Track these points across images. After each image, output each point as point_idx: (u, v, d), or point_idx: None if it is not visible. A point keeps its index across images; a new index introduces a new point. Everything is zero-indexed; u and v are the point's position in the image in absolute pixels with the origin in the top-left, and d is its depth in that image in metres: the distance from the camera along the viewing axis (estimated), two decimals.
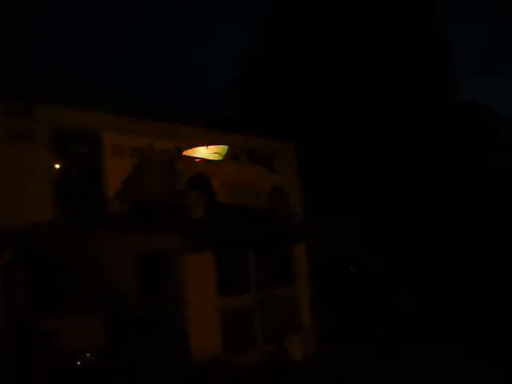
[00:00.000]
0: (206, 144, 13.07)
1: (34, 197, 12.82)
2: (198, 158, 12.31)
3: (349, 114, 22.24)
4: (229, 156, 12.88)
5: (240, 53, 26.73)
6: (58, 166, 13.63)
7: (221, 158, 12.58)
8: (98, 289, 11.85)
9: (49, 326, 10.99)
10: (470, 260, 19.83)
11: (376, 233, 20.65)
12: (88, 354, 10.57)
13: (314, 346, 13.87)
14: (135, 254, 11.86)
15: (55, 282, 12.39)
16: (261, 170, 13.83)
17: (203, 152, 12.79)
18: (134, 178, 11.93)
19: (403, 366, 11.91)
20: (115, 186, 12.70)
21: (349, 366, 12.17)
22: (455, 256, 20.11)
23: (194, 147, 13.20)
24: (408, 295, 17.01)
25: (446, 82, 23.77)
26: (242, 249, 13.08)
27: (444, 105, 23.01)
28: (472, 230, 21.16)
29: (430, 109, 22.67)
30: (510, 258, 19.54)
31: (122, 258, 11.94)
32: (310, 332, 14.18)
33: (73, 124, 13.79)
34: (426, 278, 18.51)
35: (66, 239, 11.99)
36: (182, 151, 13.21)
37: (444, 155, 22.40)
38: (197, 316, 11.61)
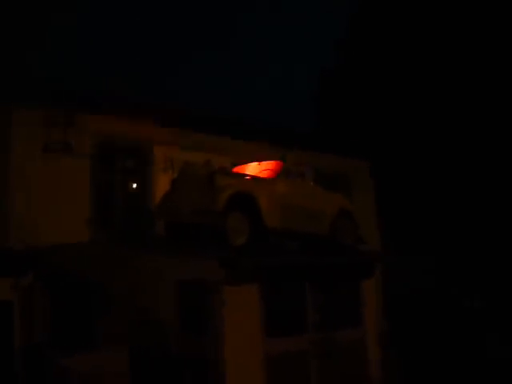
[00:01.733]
0: (260, 160, 11.16)
1: (71, 214, 11.38)
2: (246, 175, 10.39)
3: (433, 135, 19.68)
4: (286, 173, 10.85)
5: (318, 68, 24.77)
6: (100, 182, 12.12)
7: (274, 176, 10.57)
8: (131, 317, 10.25)
9: (66, 362, 9.50)
10: None
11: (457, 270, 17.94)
12: None
13: None
14: (173, 281, 10.06)
15: (85, 309, 10.89)
16: (323, 191, 11.67)
17: (255, 168, 10.86)
18: (171, 195, 10.15)
19: None
20: None
21: None
22: None
23: (247, 163, 11.33)
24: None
25: None
26: (298, 282, 10.89)
27: None
28: None
29: None
30: None
31: (159, 284, 10.22)
32: None
33: (119, 136, 12.38)
34: None
35: (101, 261, 10.47)
36: (232, 167, 11.34)
37: None
38: (236, 359, 9.57)
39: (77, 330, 10.72)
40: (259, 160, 11.23)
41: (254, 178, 10.21)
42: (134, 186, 12.64)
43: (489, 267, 18.06)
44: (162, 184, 12.10)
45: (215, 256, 9.47)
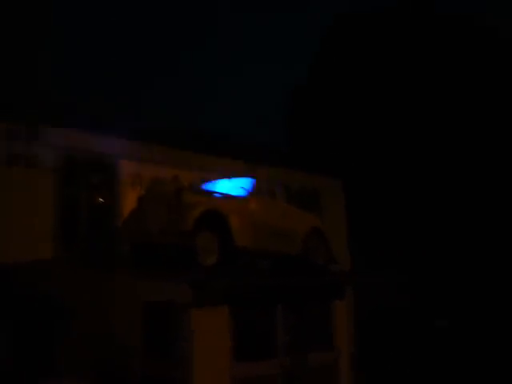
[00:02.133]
0: (231, 177, 10.77)
1: (33, 230, 10.85)
2: (216, 192, 9.97)
3: (403, 153, 19.55)
4: (257, 191, 10.46)
5: (291, 86, 24.51)
6: (64, 197, 11.58)
7: (245, 194, 10.17)
8: (96, 341, 9.68)
9: None
10: None
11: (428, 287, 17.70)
12: None
13: None
14: (140, 303, 9.56)
15: (46, 333, 10.28)
16: (295, 209, 11.32)
17: (225, 185, 10.45)
18: (137, 213, 9.68)
19: None
20: None
21: None
22: None
23: (216, 179, 10.92)
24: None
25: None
26: (268, 304, 10.46)
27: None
28: None
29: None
30: None
31: (125, 306, 9.71)
32: None
33: (84, 150, 11.82)
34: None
35: (64, 281, 10.00)
36: (202, 183, 10.94)
37: None
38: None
39: (37, 355, 10.13)
40: (230, 176, 10.85)
41: (224, 195, 9.80)
42: (100, 201, 12.11)
43: (458, 285, 17.92)
44: (130, 200, 11.62)
45: (184, 277, 9.02)
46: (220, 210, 9.18)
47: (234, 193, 10.15)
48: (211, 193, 9.82)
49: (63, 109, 11.79)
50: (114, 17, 52.54)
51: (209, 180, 11.26)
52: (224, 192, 9.99)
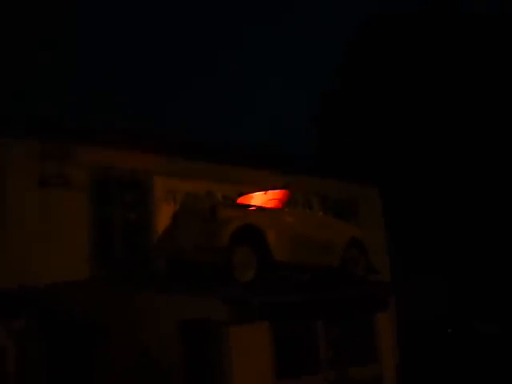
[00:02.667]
0: (266, 189, 10.45)
1: (69, 250, 10.70)
2: (252, 205, 9.68)
3: (441, 157, 18.94)
4: (293, 203, 10.14)
5: (318, 93, 24.15)
6: (98, 215, 11.41)
7: (281, 206, 9.85)
8: (132, 360, 9.45)
9: None
10: None
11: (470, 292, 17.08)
12: None
13: None
14: (176, 321, 9.28)
15: (83, 352, 10.11)
16: (332, 219, 10.97)
17: (260, 199, 10.15)
18: (172, 230, 9.44)
19: None
20: None
21: None
22: None
23: (251, 193, 10.63)
24: None
25: None
26: (309, 319, 10.10)
27: None
28: None
29: None
30: None
31: (162, 324, 9.43)
32: None
33: (117, 167, 11.63)
34: None
35: (100, 300, 9.78)
36: (237, 197, 10.66)
37: None
38: None
39: (75, 375, 9.95)
40: (264, 189, 10.54)
41: (259, 208, 9.50)
42: (135, 219, 11.91)
43: (504, 290, 17.25)
44: (165, 216, 11.38)
45: (220, 294, 8.74)
46: (256, 224, 8.89)
47: (269, 206, 9.85)
48: (247, 207, 9.54)
49: (94, 126, 11.64)
50: (141, 33, 52.65)
51: (244, 193, 10.97)
52: (259, 205, 9.70)
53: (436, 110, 19.57)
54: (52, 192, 10.83)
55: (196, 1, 55.75)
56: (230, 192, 12.23)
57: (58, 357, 10.05)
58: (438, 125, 19.38)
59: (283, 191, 10.14)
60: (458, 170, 18.83)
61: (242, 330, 8.96)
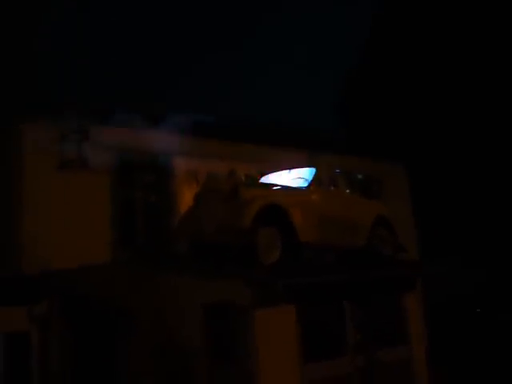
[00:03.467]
0: (290, 167, 10.06)
1: (90, 234, 10.45)
2: (276, 184, 9.30)
3: (468, 136, 18.27)
4: (318, 181, 9.72)
5: (341, 72, 23.53)
6: (119, 198, 11.13)
7: (306, 185, 9.46)
8: (156, 343, 9.17)
9: None
10: None
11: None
12: None
13: None
14: (200, 304, 8.97)
15: (107, 336, 9.86)
16: (358, 198, 10.54)
17: (285, 177, 9.75)
18: (193, 211, 9.09)
19: None
20: None
21: None
22: None
23: (274, 171, 10.24)
24: None
25: None
26: (335, 301, 9.72)
27: None
28: None
29: None
30: None
31: (185, 308, 9.13)
32: None
33: (137, 148, 11.30)
34: None
35: (123, 283, 9.49)
36: (260, 176, 10.28)
37: None
38: None
39: (98, 360, 9.73)
40: (289, 167, 10.15)
41: (284, 187, 9.11)
42: (156, 201, 11.61)
43: None
44: (187, 198, 11.07)
45: (244, 276, 8.40)
46: (280, 203, 8.50)
47: (294, 184, 9.46)
48: (270, 186, 9.16)
49: (113, 108, 11.31)
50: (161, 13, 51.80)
51: (267, 172, 10.59)
52: (284, 184, 9.31)
53: (464, 90, 18.86)
54: (72, 175, 10.57)
55: None
56: (253, 171, 11.87)
57: (80, 342, 9.84)
58: (467, 105, 18.68)
59: (308, 169, 9.74)
60: (485, 150, 18.16)
61: (266, 313, 8.60)
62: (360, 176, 10.92)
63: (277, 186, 9.17)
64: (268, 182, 9.58)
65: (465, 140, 18.24)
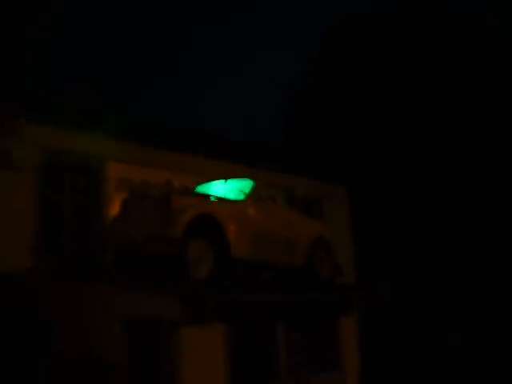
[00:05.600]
0: (226, 178, 9.40)
1: (9, 238, 9.44)
2: (211, 195, 8.61)
3: (409, 157, 18.10)
4: (256, 195, 9.08)
5: (289, 86, 23.14)
6: (44, 201, 10.20)
7: (243, 197, 8.80)
8: (77, 360, 8.33)
9: None
10: None
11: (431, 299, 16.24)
12: None
13: None
14: (124, 318, 8.16)
15: (21, 351, 8.87)
16: (298, 215, 9.94)
17: (221, 188, 9.09)
18: (121, 219, 8.30)
19: None
20: None
21: None
22: None
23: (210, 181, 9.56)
24: None
25: None
26: (269, 322, 9.06)
27: None
28: None
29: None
30: None
31: (108, 321, 8.31)
32: None
33: (68, 150, 10.43)
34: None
35: (42, 293, 8.68)
36: (195, 186, 9.56)
37: None
38: None
39: (11, 377, 8.73)
40: (226, 178, 9.48)
41: (219, 198, 8.44)
42: (85, 207, 10.71)
43: (470, 297, 16.49)
44: (117, 205, 10.23)
45: (172, 290, 7.67)
46: (215, 214, 7.85)
47: (230, 196, 8.80)
48: (205, 196, 8.47)
49: (46, 103, 10.42)
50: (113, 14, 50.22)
51: (203, 182, 9.89)
52: (219, 195, 8.63)
53: (408, 110, 18.75)
54: None
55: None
56: (189, 182, 11.15)
57: None
58: (409, 126, 18.56)
59: (246, 181, 9.10)
60: (425, 172, 18.01)
61: (195, 331, 7.95)
62: (300, 195, 10.30)
63: (212, 196, 8.48)
64: (203, 192, 8.88)
65: (404, 166, 18.09)
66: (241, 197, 8.75)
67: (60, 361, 8.55)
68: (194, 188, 9.54)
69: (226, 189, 8.99)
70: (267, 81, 51.78)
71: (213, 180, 9.52)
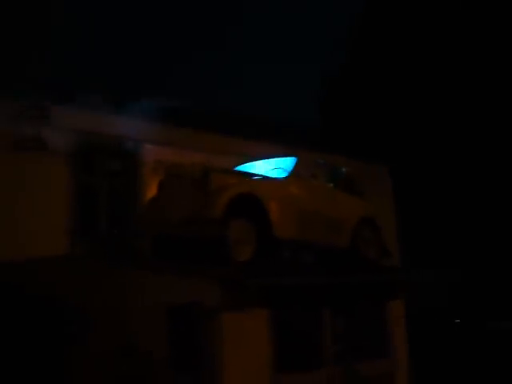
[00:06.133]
0: (268, 157, 8.90)
1: (45, 224, 9.15)
2: (252, 173, 8.12)
3: (458, 135, 17.25)
4: (298, 172, 8.55)
5: (322, 69, 22.44)
6: (79, 185, 9.88)
7: (285, 175, 8.28)
8: (115, 349, 7.92)
9: None
10: None
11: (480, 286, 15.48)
12: None
13: None
14: (162, 304, 7.76)
15: (56, 338, 8.56)
16: (343, 194, 9.37)
17: (262, 167, 8.58)
18: (157, 201, 7.88)
19: None
20: None
21: None
22: None
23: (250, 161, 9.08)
24: None
25: None
26: (313, 306, 8.56)
27: None
28: None
29: None
30: None
31: (146, 309, 7.91)
32: None
33: (103, 133, 10.07)
34: None
35: (77, 279, 8.27)
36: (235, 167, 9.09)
37: None
38: None
39: (47, 368, 8.43)
40: (267, 157, 8.97)
41: (260, 177, 7.94)
42: (120, 190, 10.36)
43: None
44: (153, 188, 9.85)
45: (213, 274, 7.22)
46: (256, 193, 7.36)
47: (272, 175, 8.29)
48: (246, 174, 7.99)
49: (78, 87, 10.07)
50: None
51: (242, 163, 9.41)
52: (261, 174, 8.13)
53: (452, 87, 17.89)
54: (28, 158, 9.30)
55: None
56: (228, 165, 10.70)
57: (26, 344, 8.54)
58: (455, 103, 17.68)
59: (288, 158, 8.57)
60: (476, 152, 17.12)
61: (236, 317, 7.49)
62: (345, 169, 9.78)
63: (253, 174, 7.99)
64: (243, 171, 8.40)
65: (451, 143, 17.25)
66: (283, 175, 8.26)
67: (94, 348, 8.25)
68: (234, 168, 9.07)
69: (267, 167, 8.50)
70: (302, 60, 50.62)
71: (253, 160, 9.04)
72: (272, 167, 8.48)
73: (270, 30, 54.88)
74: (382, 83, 19.24)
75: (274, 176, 8.20)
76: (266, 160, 8.78)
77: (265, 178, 7.98)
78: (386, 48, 19.62)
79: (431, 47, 18.56)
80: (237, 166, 9.48)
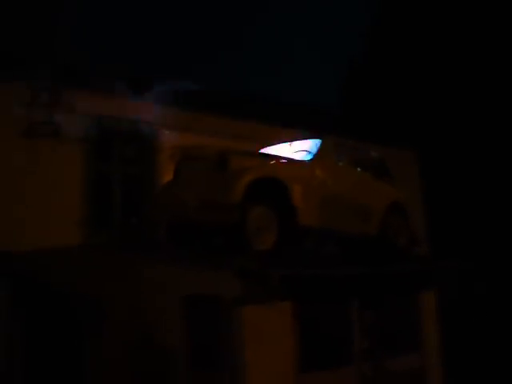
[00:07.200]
0: (291, 140, 8.17)
1: (58, 212, 8.68)
2: (274, 156, 7.40)
3: (488, 120, 16.29)
4: (324, 155, 7.80)
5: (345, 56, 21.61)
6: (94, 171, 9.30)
7: (310, 158, 7.54)
8: (131, 342, 7.47)
9: None
10: None
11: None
12: None
13: None
14: (179, 297, 7.13)
15: (70, 331, 8.02)
16: (372, 179, 8.60)
17: (285, 150, 7.85)
18: (172, 186, 7.20)
19: None
20: None
21: None
22: None
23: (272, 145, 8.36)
24: None
25: None
26: (341, 299, 7.83)
27: None
28: None
29: None
30: None
31: (162, 301, 7.30)
32: None
33: (118, 118, 9.49)
34: None
35: (92, 270, 7.73)
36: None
37: None
38: None
39: (59, 357, 7.88)
40: (290, 141, 8.25)
41: (283, 159, 7.21)
42: (136, 177, 9.75)
43: None
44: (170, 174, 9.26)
45: (233, 265, 6.53)
46: (279, 176, 6.65)
47: (296, 158, 7.56)
48: (266, 156, 7.27)
49: (92, 71, 9.46)
50: None
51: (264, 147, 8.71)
52: (284, 156, 7.41)
53: (483, 72, 16.92)
54: (40, 143, 8.76)
55: None
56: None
57: (41, 335, 8.02)
58: (487, 89, 16.70)
59: (313, 140, 7.82)
60: (504, 137, 16.17)
61: (258, 310, 6.81)
62: (374, 153, 9.02)
63: (275, 157, 7.27)
64: (264, 153, 7.68)
65: (481, 128, 16.31)
66: (308, 157, 7.52)
67: (112, 344, 7.70)
68: (255, 151, 8.37)
69: (290, 151, 7.76)
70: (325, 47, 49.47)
71: (276, 144, 8.33)
72: (296, 150, 7.75)
73: (296, 16, 53.80)
74: (410, 67, 18.39)
75: (298, 159, 7.47)
76: (289, 142, 8.05)
77: (288, 161, 7.26)
78: (414, 30, 18.76)
79: (459, 30, 17.65)
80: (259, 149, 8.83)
